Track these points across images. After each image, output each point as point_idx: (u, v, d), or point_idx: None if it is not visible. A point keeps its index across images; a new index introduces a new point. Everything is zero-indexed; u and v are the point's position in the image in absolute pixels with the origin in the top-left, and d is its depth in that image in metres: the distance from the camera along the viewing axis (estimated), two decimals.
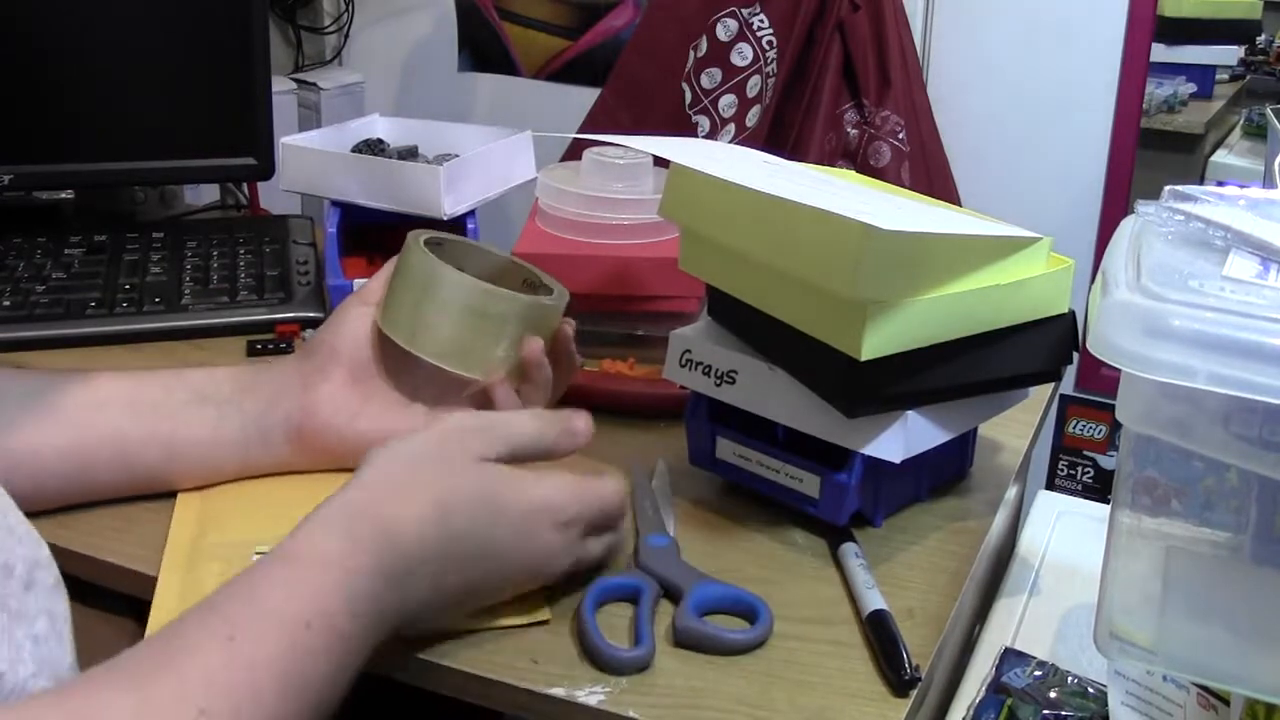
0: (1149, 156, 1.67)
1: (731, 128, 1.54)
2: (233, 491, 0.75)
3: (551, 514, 0.63)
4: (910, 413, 0.69)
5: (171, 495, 0.74)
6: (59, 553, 0.70)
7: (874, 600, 0.65)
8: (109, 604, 0.71)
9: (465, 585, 0.61)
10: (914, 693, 0.60)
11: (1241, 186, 0.64)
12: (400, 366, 0.76)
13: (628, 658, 0.61)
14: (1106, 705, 0.65)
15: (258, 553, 0.68)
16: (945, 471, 0.79)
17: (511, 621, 0.64)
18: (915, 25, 1.64)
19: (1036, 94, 1.67)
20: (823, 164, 1.26)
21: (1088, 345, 0.52)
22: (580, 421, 0.68)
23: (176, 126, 1.17)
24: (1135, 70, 1.63)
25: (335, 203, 1.05)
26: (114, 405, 0.72)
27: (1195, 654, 0.57)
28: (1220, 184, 0.69)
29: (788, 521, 0.74)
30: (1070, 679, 0.67)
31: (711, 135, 1.55)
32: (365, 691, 0.71)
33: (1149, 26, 1.61)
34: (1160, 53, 1.63)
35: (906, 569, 0.71)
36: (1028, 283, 0.68)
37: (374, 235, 1.08)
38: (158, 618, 0.64)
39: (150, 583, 0.67)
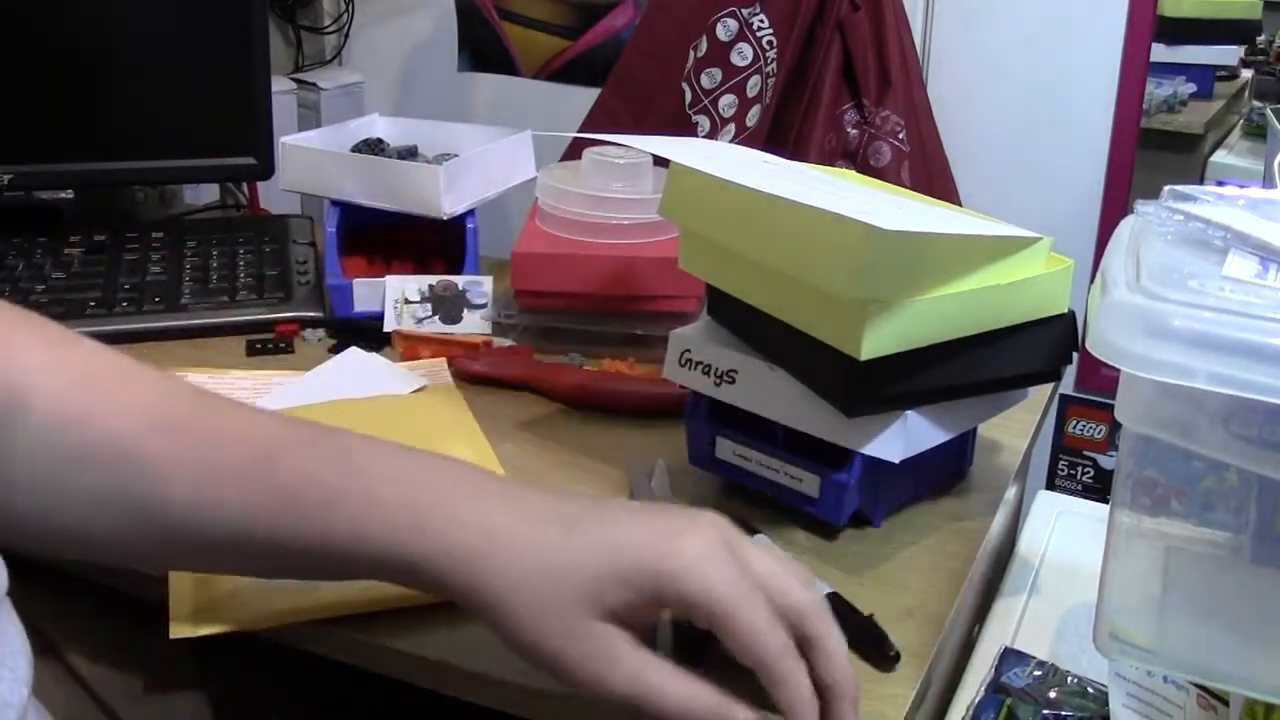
0: (1149, 156, 1.67)
1: (731, 128, 1.54)
2: None
3: None
4: (910, 412, 0.69)
5: None
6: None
7: (818, 585, 0.65)
8: (110, 604, 0.71)
9: None
10: (918, 683, 0.60)
11: (1241, 186, 0.64)
12: None
13: None
14: (1106, 705, 0.65)
15: None
16: (945, 471, 0.79)
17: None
18: (915, 25, 1.64)
19: (1036, 94, 1.67)
20: (823, 164, 1.26)
21: (1087, 345, 0.52)
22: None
23: (176, 126, 1.17)
24: (1135, 70, 1.63)
25: (335, 202, 1.05)
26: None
27: (1195, 654, 0.57)
28: (1220, 184, 0.69)
29: (788, 521, 0.74)
30: (1070, 679, 0.67)
31: (711, 135, 1.55)
32: (367, 691, 0.71)
33: (1149, 26, 1.61)
34: (1160, 53, 1.63)
35: (906, 569, 0.71)
36: (1027, 283, 0.68)
37: (374, 235, 1.08)
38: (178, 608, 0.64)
39: (150, 581, 0.68)
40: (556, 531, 0.53)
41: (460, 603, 0.53)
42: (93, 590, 0.70)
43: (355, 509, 0.54)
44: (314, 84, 1.94)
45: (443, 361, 0.94)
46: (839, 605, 0.64)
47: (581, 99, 1.67)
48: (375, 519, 0.54)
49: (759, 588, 0.52)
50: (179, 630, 0.62)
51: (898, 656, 0.61)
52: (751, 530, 0.71)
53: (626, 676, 0.51)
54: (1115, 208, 1.67)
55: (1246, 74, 1.77)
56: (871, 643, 0.62)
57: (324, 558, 0.55)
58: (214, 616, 0.62)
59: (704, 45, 1.53)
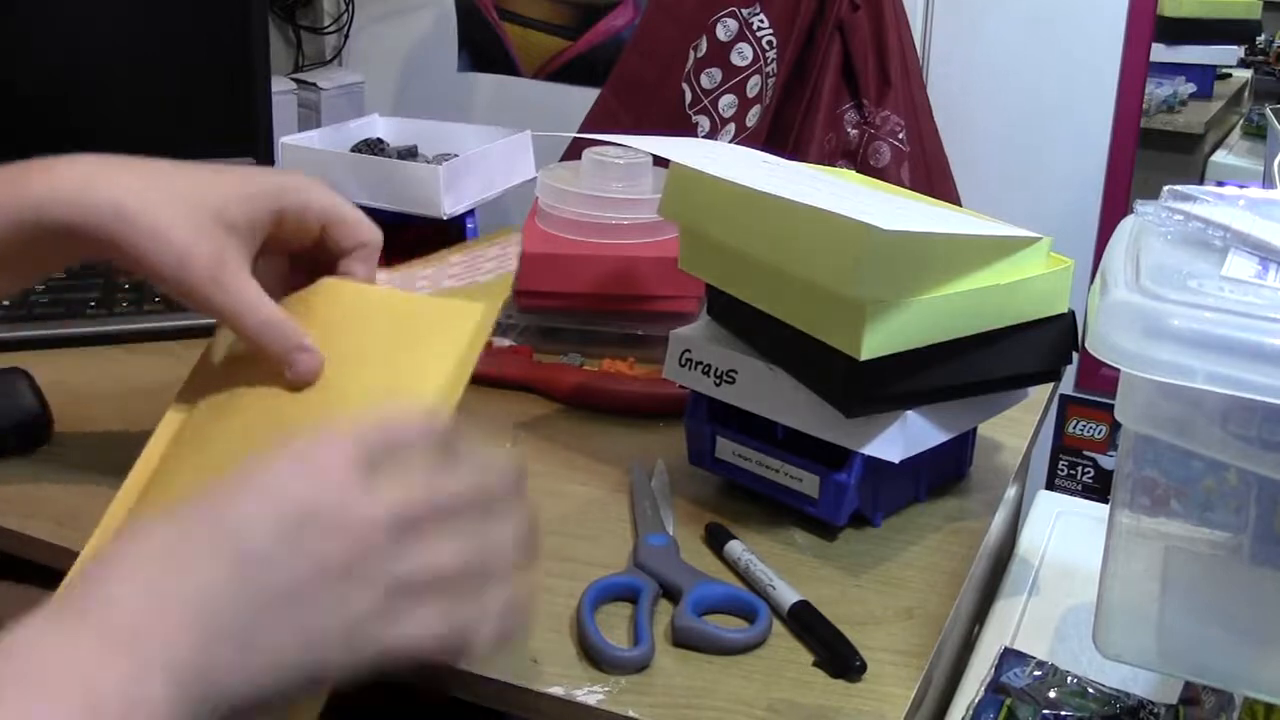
0: (1149, 156, 1.67)
1: (731, 128, 1.54)
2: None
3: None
4: (909, 413, 0.69)
5: None
6: (59, 552, 0.70)
7: (787, 594, 0.65)
8: None
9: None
10: (918, 683, 0.60)
11: (1241, 186, 0.64)
12: None
13: (627, 657, 0.61)
14: (1106, 705, 0.65)
15: None
16: (944, 471, 0.79)
17: None
18: (915, 25, 1.64)
19: (1036, 94, 1.67)
20: (823, 164, 1.26)
21: (1087, 345, 0.52)
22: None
23: (177, 126, 1.17)
24: (1135, 70, 1.63)
25: None
26: None
27: (1195, 654, 0.57)
28: (1220, 184, 0.69)
29: (787, 521, 0.74)
30: (1070, 679, 0.67)
31: (711, 135, 1.54)
32: (363, 691, 0.71)
33: (1149, 27, 1.61)
34: (1160, 53, 1.63)
35: (906, 569, 0.71)
36: (1027, 283, 0.68)
37: None
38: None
39: None
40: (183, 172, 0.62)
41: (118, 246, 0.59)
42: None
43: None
44: (314, 84, 1.94)
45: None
46: (808, 615, 0.64)
47: (581, 99, 1.67)
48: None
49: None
50: None
51: (863, 667, 0.61)
52: (727, 537, 0.71)
53: (229, 285, 0.59)
54: (1115, 208, 1.67)
55: (1246, 74, 1.77)
56: (838, 654, 0.62)
57: None
58: None
59: (704, 45, 1.53)
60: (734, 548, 0.70)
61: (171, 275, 0.59)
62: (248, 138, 1.17)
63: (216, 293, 0.59)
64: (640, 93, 1.58)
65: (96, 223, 0.59)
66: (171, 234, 0.58)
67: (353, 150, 1.09)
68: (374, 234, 0.65)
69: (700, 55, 1.54)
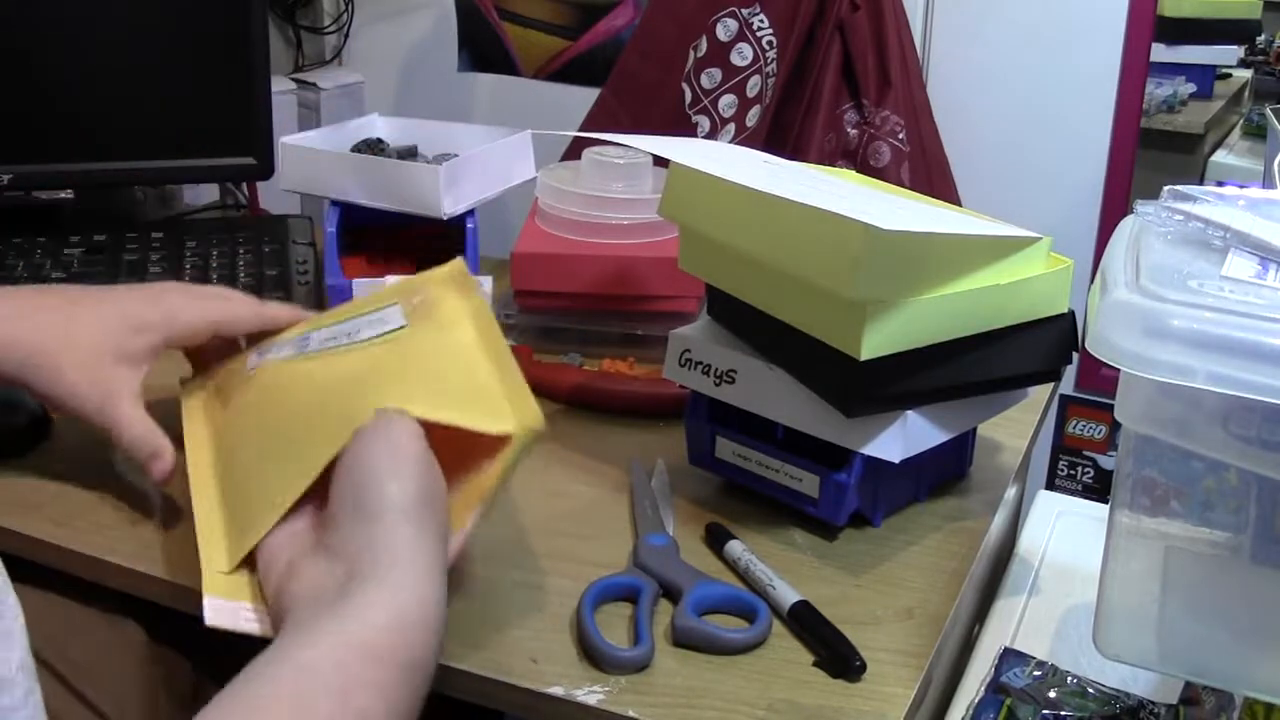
0: (1149, 156, 1.67)
1: (731, 128, 1.54)
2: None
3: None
4: (909, 412, 0.69)
5: (175, 502, 0.75)
6: (59, 552, 0.70)
7: (787, 594, 0.65)
8: (110, 604, 0.71)
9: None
10: (918, 684, 0.60)
11: (1241, 186, 0.64)
12: None
13: (627, 657, 0.61)
14: (1106, 705, 0.65)
15: None
16: (945, 471, 0.79)
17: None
18: (915, 25, 1.64)
19: (1036, 94, 1.67)
20: (823, 164, 1.26)
21: (1087, 345, 0.52)
22: None
23: (176, 126, 1.16)
24: (1135, 70, 1.63)
25: (335, 202, 1.05)
26: None
27: (1195, 654, 0.57)
28: (1220, 184, 0.69)
29: (787, 521, 0.74)
30: (1070, 679, 0.67)
31: (711, 135, 1.54)
32: None
33: (1149, 26, 1.61)
34: (1160, 53, 1.63)
35: (906, 569, 0.71)
36: (1027, 283, 0.68)
37: (373, 235, 1.08)
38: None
39: (151, 583, 0.68)
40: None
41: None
42: (73, 587, 0.70)
43: None
44: (314, 84, 1.94)
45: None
46: (808, 615, 0.64)
47: (581, 99, 1.67)
48: None
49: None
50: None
51: (863, 667, 0.61)
52: (728, 537, 0.71)
53: (110, 413, 0.72)
54: (1115, 208, 1.67)
55: (1246, 74, 1.77)
56: (838, 654, 0.62)
57: None
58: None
59: (704, 45, 1.53)
60: (734, 548, 0.70)
61: (68, 408, 0.72)
62: (247, 138, 1.17)
63: (101, 418, 0.73)
64: (640, 93, 1.58)
65: (7, 369, 0.72)
66: (66, 378, 0.72)
67: (353, 150, 1.09)
68: (258, 323, 0.79)
69: (700, 55, 1.53)
